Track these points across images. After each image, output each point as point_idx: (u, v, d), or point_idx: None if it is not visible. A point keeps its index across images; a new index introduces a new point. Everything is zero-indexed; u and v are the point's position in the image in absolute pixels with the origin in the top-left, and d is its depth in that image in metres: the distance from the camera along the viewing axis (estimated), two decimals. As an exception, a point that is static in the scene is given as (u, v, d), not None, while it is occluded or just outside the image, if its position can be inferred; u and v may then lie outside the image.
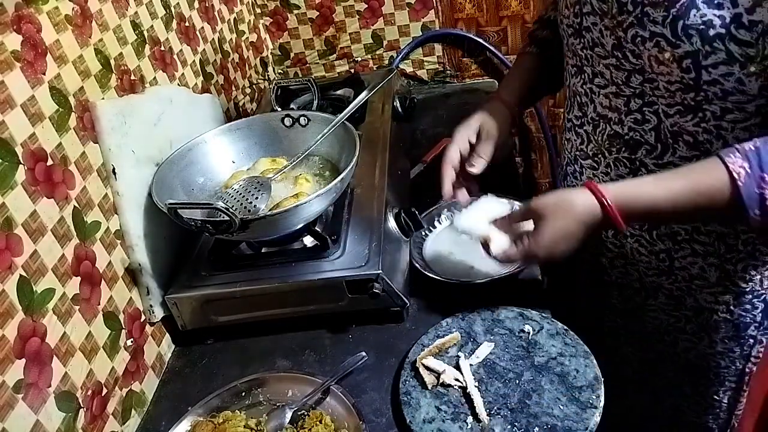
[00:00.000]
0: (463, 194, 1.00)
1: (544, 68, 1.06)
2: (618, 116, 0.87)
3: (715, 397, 1.08)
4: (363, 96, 1.08)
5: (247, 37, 1.66)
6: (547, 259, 0.82)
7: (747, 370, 1.04)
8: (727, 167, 0.70)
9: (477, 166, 0.98)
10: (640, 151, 0.87)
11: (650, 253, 0.96)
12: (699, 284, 0.95)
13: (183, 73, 1.25)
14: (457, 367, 0.85)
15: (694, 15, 0.70)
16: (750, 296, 0.94)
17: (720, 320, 0.98)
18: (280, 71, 1.84)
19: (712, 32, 0.70)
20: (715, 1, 0.69)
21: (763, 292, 0.95)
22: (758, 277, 0.93)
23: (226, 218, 0.86)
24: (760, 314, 0.97)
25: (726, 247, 0.90)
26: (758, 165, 0.69)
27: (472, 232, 0.92)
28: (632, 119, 0.85)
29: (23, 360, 0.72)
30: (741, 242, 0.89)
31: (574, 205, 0.77)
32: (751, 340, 1.00)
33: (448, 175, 0.98)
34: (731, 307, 0.96)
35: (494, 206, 0.95)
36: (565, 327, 0.88)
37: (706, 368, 1.04)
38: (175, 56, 1.23)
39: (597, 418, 0.76)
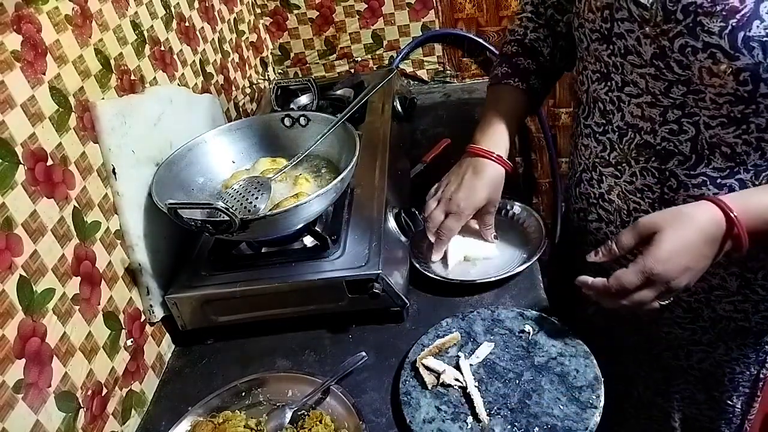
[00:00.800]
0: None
1: (528, 102, 1.04)
2: (651, 126, 0.83)
3: (729, 402, 1.06)
4: (363, 96, 1.08)
5: (247, 37, 1.66)
6: (669, 279, 0.73)
7: (762, 375, 1.02)
8: None
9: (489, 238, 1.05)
10: (671, 162, 0.84)
11: None
12: (718, 294, 0.94)
13: (183, 73, 1.25)
14: (457, 367, 0.85)
15: (758, 26, 0.67)
16: None
17: (738, 328, 0.96)
18: (280, 71, 1.85)
19: None
20: None
21: None
22: None
23: (226, 218, 0.86)
24: None
25: (748, 255, 0.84)
26: None
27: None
28: (667, 130, 0.82)
29: (23, 360, 0.72)
30: (763, 250, 0.87)
31: (694, 215, 0.73)
32: (767, 346, 0.99)
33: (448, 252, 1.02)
34: (750, 315, 0.95)
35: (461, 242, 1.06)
36: (565, 327, 0.88)
37: (721, 375, 1.03)
38: (175, 56, 1.23)
39: (597, 418, 0.76)
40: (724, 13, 0.68)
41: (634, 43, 0.79)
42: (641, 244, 0.75)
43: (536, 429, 0.76)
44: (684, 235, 0.72)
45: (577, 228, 1.05)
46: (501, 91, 1.04)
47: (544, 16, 1.03)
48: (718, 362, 1.02)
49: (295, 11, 1.73)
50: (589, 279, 0.79)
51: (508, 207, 1.15)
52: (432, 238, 1.03)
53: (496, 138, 1.00)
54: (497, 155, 0.99)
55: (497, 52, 1.11)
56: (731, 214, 0.71)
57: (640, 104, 0.83)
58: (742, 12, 0.67)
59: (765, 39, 0.67)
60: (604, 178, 0.94)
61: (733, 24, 0.68)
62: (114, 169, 0.94)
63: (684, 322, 0.99)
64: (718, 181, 0.81)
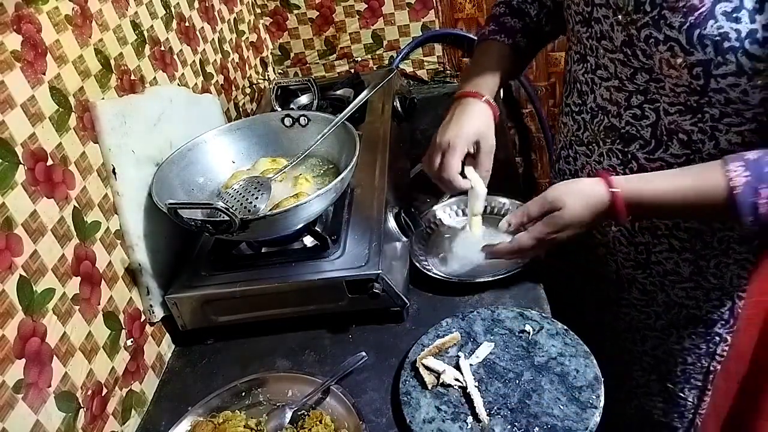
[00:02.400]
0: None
1: (513, 58, 1.05)
2: (617, 110, 0.89)
3: (681, 395, 1.10)
4: (363, 96, 1.08)
5: (247, 37, 1.66)
6: (557, 243, 0.87)
7: (712, 368, 1.06)
8: (728, 174, 0.74)
9: (485, 184, 0.99)
10: (633, 145, 0.89)
11: (630, 244, 0.99)
12: (672, 279, 0.99)
13: (183, 73, 1.25)
14: (457, 367, 0.85)
15: (712, 26, 0.71)
16: (719, 293, 0.98)
17: (690, 316, 1.01)
18: (280, 71, 1.85)
19: (726, 44, 0.71)
20: (734, 15, 0.70)
21: (732, 290, 0.98)
22: (729, 275, 0.96)
23: (226, 218, 0.86)
24: (728, 312, 1.00)
25: (702, 244, 0.94)
26: (756, 177, 0.73)
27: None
28: (631, 114, 0.88)
29: (23, 360, 0.72)
30: (716, 239, 0.93)
31: (590, 195, 0.83)
32: (717, 338, 1.03)
33: (460, 184, 0.97)
34: (701, 303, 0.99)
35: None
36: (565, 327, 0.89)
37: (673, 364, 1.07)
38: (175, 56, 1.23)
39: (597, 418, 0.76)
40: (685, 9, 0.73)
41: (608, 29, 0.84)
42: (544, 213, 0.87)
43: (536, 429, 0.76)
44: (579, 213, 0.83)
45: None
46: (487, 46, 1.06)
47: None
48: (670, 351, 1.06)
49: (295, 11, 1.73)
50: (493, 246, 0.94)
51: (509, 207, 1.15)
52: (437, 182, 1.01)
53: (481, 83, 1.02)
54: (484, 97, 0.99)
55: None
56: (616, 191, 0.81)
57: (609, 88, 0.89)
58: (700, 11, 0.72)
59: (717, 38, 0.72)
60: (578, 156, 1.00)
61: (691, 21, 0.73)
62: (114, 169, 0.94)
63: (640, 304, 1.05)
64: (675, 167, 0.86)
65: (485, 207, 1.13)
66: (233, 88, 1.52)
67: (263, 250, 1.05)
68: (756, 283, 0.97)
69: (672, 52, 0.76)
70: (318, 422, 0.83)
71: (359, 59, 1.80)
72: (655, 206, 0.81)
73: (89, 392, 0.83)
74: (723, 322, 1.01)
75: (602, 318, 1.13)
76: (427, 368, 0.86)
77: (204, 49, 1.37)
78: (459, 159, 0.96)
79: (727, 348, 1.04)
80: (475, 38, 1.68)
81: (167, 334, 1.05)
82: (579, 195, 0.84)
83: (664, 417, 1.14)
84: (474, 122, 0.97)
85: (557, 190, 0.85)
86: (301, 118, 1.13)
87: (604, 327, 1.13)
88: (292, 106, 1.41)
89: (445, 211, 1.18)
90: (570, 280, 1.18)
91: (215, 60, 1.43)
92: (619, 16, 0.81)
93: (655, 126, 0.86)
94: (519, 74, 1.08)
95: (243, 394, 0.90)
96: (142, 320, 0.99)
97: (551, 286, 1.04)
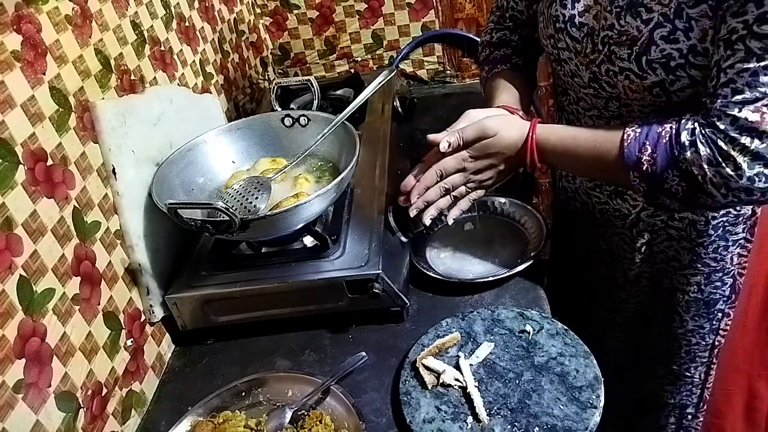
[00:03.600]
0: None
1: (521, 77, 1.07)
2: None
3: (687, 374, 1.12)
4: (363, 96, 1.08)
5: (247, 37, 1.66)
6: (479, 170, 0.93)
7: (716, 343, 1.08)
8: (624, 129, 0.81)
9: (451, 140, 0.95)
10: None
11: (633, 250, 1.03)
12: (674, 266, 1.02)
13: (183, 73, 1.25)
14: (457, 367, 0.85)
15: (655, 51, 0.78)
16: (720, 274, 1.00)
17: (691, 300, 1.04)
18: (280, 71, 1.85)
19: (673, 63, 0.78)
20: (671, 37, 0.77)
21: (732, 268, 1.00)
22: (729, 256, 0.99)
23: (226, 218, 0.86)
24: (728, 288, 1.02)
25: (697, 232, 0.97)
26: (645, 133, 0.79)
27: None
28: None
29: (23, 360, 0.72)
30: (711, 227, 0.96)
31: (519, 127, 0.91)
32: (720, 314, 1.05)
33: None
34: (702, 287, 1.02)
35: None
36: (565, 327, 0.89)
37: (678, 347, 1.09)
38: (175, 56, 1.23)
39: (597, 418, 0.76)
40: (628, 42, 0.80)
41: (575, 68, 0.91)
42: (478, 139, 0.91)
43: (536, 429, 0.76)
44: (507, 142, 0.90)
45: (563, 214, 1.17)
46: (492, 82, 1.08)
47: (506, 19, 1.10)
48: (674, 335, 1.08)
49: (295, 11, 1.73)
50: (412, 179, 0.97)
51: (509, 207, 1.15)
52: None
53: (506, 100, 1.02)
54: (518, 111, 1.00)
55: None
56: (532, 135, 0.89)
57: (591, 116, 0.95)
58: (641, 40, 0.79)
59: (662, 60, 0.78)
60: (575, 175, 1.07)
61: (636, 50, 0.80)
62: (114, 169, 0.94)
63: (648, 291, 1.08)
64: None
65: (482, 207, 1.14)
66: (233, 88, 1.52)
67: (263, 250, 1.05)
68: (753, 255, 0.99)
69: (629, 80, 0.82)
70: (318, 422, 0.83)
71: (359, 59, 1.80)
72: (558, 150, 0.89)
73: (89, 392, 0.83)
74: (725, 299, 1.03)
75: (605, 312, 1.15)
76: (427, 368, 0.86)
77: (204, 49, 1.37)
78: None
79: (730, 322, 1.06)
80: (476, 38, 1.71)
81: (167, 334, 1.05)
82: (512, 126, 0.91)
83: (672, 398, 1.16)
84: (486, 113, 0.97)
85: (493, 120, 0.92)
86: (301, 118, 1.13)
87: (607, 320, 1.15)
88: (292, 106, 1.41)
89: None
90: (574, 281, 1.19)
91: (215, 60, 1.43)
92: (580, 58, 0.89)
93: None
94: (534, 85, 1.12)
95: (243, 394, 0.90)
96: (142, 320, 0.99)
97: (551, 286, 1.05)
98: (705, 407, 1.17)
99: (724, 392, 1.15)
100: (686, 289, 1.03)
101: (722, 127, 0.73)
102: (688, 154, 0.75)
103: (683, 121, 0.77)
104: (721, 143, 0.73)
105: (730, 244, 0.97)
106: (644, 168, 0.79)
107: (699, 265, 1.00)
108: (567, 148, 0.88)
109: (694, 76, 0.78)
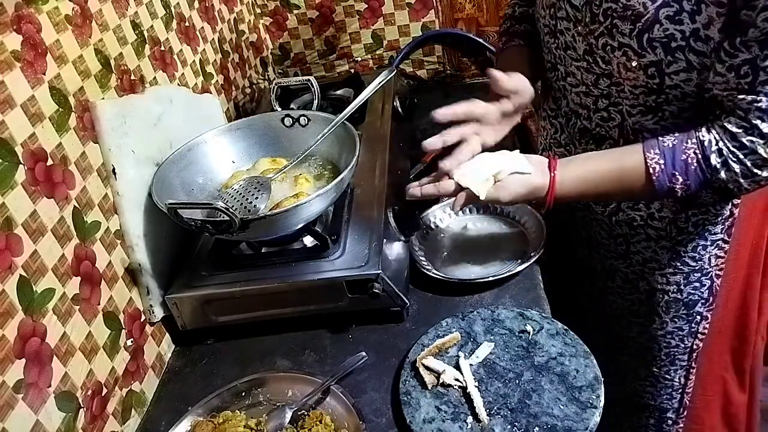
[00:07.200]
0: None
1: (534, 54, 1.06)
2: (587, 113, 0.96)
3: (667, 377, 1.14)
4: (363, 96, 1.08)
5: (247, 37, 1.66)
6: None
7: (695, 347, 1.10)
8: (646, 161, 0.82)
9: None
10: (604, 145, 0.96)
11: (610, 237, 1.05)
12: (651, 267, 1.03)
13: (183, 73, 1.25)
14: (457, 367, 0.85)
15: (658, 29, 0.78)
16: (699, 274, 1.02)
17: (671, 300, 1.05)
18: (280, 71, 1.84)
19: (673, 44, 0.78)
20: (676, 18, 0.76)
21: (710, 270, 1.02)
22: (707, 256, 1.00)
23: (226, 218, 0.86)
24: (707, 291, 1.04)
25: (677, 230, 0.98)
26: (671, 163, 0.81)
27: (476, 178, 0.89)
28: (599, 117, 0.94)
29: (23, 360, 0.72)
30: (691, 224, 0.98)
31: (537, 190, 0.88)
32: (698, 317, 1.07)
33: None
34: (681, 287, 1.03)
35: (492, 159, 0.92)
36: (565, 327, 0.89)
37: (657, 349, 1.11)
38: (175, 56, 1.23)
39: (597, 418, 0.76)
40: (632, 17, 0.79)
41: (571, 40, 0.90)
42: None
43: (536, 429, 0.76)
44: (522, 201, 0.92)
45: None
46: (506, 54, 1.08)
47: None
48: (653, 336, 1.10)
49: (295, 11, 1.73)
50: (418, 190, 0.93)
51: (508, 207, 1.15)
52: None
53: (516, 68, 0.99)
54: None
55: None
56: (554, 176, 0.87)
57: (578, 93, 0.95)
58: (646, 17, 0.78)
59: (664, 40, 0.78)
60: (557, 157, 1.01)
61: (639, 27, 0.79)
62: (114, 169, 0.94)
63: (624, 292, 1.10)
64: None
65: (482, 207, 1.14)
66: (233, 88, 1.52)
67: (263, 250, 1.05)
68: (730, 261, 1.02)
69: (627, 57, 0.82)
70: (318, 422, 0.83)
71: (359, 59, 1.80)
72: (578, 192, 0.88)
73: (89, 392, 0.83)
74: (703, 301, 1.05)
75: (591, 307, 1.18)
76: (427, 368, 0.86)
77: (204, 49, 1.37)
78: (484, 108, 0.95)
79: (707, 326, 1.08)
80: (476, 38, 1.71)
81: (167, 334, 1.05)
82: (528, 186, 0.88)
83: (653, 400, 1.19)
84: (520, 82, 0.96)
85: (506, 192, 0.88)
86: (301, 118, 1.13)
87: (593, 315, 1.18)
88: (292, 106, 1.41)
89: (445, 211, 1.18)
90: (563, 275, 1.20)
91: (215, 60, 1.43)
92: (579, 27, 0.87)
93: (621, 127, 0.92)
94: (540, 73, 1.08)
95: (243, 394, 0.90)
96: (142, 320, 0.99)
97: (551, 286, 1.05)
98: (685, 413, 1.18)
99: (704, 399, 1.18)
100: (666, 288, 1.04)
101: (766, 130, 0.75)
102: (722, 174, 0.79)
103: (705, 141, 0.79)
104: (760, 150, 0.77)
105: (709, 243, 0.99)
106: (678, 195, 0.82)
107: (678, 264, 1.02)
108: (588, 189, 0.88)
109: (691, 61, 0.79)
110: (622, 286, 1.10)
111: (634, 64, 0.82)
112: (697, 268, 1.02)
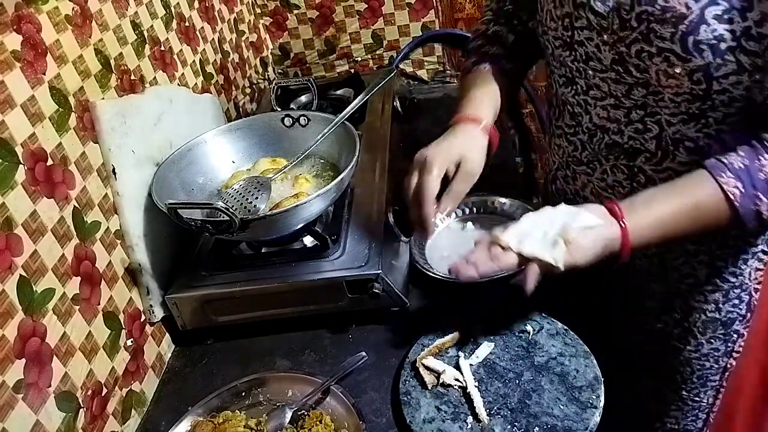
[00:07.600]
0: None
1: (504, 83, 1.01)
2: (617, 126, 0.87)
3: (696, 398, 1.08)
4: (363, 96, 1.08)
5: (247, 37, 1.66)
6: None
7: (729, 366, 1.04)
8: (721, 187, 0.74)
9: (449, 208, 0.89)
10: (639, 159, 0.87)
11: (644, 256, 0.96)
12: (689, 283, 0.96)
13: (183, 73, 1.25)
14: (457, 367, 0.85)
15: (705, 30, 0.71)
16: (738, 290, 0.96)
17: (708, 320, 0.98)
18: (280, 71, 1.85)
19: (723, 46, 0.71)
20: (725, 17, 0.70)
21: (749, 284, 0.96)
22: (747, 270, 0.94)
23: (226, 218, 0.86)
24: (745, 307, 0.98)
25: (717, 244, 0.92)
26: (751, 184, 0.73)
27: (540, 244, 0.77)
28: (633, 129, 0.86)
29: (23, 360, 0.72)
30: (732, 237, 0.91)
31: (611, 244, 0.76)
32: (735, 335, 1.01)
33: (431, 212, 0.87)
34: (720, 305, 0.97)
35: (546, 218, 0.79)
36: (565, 327, 0.89)
37: (690, 372, 1.04)
38: (175, 56, 1.23)
39: (597, 418, 0.76)
40: (673, 19, 0.72)
41: (594, 50, 0.83)
42: None
43: (536, 429, 0.76)
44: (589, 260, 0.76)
45: None
46: (473, 76, 1.02)
47: (503, 12, 1.02)
48: (687, 360, 1.03)
49: (295, 11, 1.73)
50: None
51: (509, 207, 1.14)
52: (411, 206, 0.90)
53: (477, 107, 0.95)
54: (483, 122, 0.92)
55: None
56: (626, 234, 0.75)
57: (605, 107, 0.86)
58: (690, 18, 0.71)
59: (713, 42, 0.71)
60: (577, 175, 0.97)
61: (683, 29, 0.72)
62: (114, 169, 0.94)
63: (657, 311, 1.01)
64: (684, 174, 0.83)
65: (482, 207, 1.14)
66: (233, 88, 1.52)
67: (263, 250, 1.05)
68: (767, 272, 0.95)
69: (668, 63, 0.75)
70: (318, 422, 0.83)
71: (359, 59, 1.80)
72: (657, 237, 0.77)
73: (89, 392, 0.83)
74: (741, 318, 0.99)
75: (614, 325, 1.09)
76: (427, 368, 0.86)
77: (204, 49, 1.37)
78: (436, 178, 0.86)
79: (743, 343, 1.02)
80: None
81: (167, 334, 1.05)
82: (597, 241, 0.76)
83: (677, 424, 1.11)
84: (458, 142, 0.90)
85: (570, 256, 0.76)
86: (301, 118, 1.13)
87: (616, 334, 1.09)
88: (292, 106, 1.41)
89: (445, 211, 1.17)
90: (581, 286, 1.16)
91: (215, 60, 1.43)
92: (605, 36, 0.80)
93: (659, 138, 0.84)
94: (512, 97, 1.02)
95: (243, 394, 0.90)
96: (142, 320, 0.99)
97: (551, 286, 1.04)
98: (707, 431, 1.12)
99: (728, 414, 1.11)
100: (704, 308, 0.97)
101: None
102: None
103: None
104: None
105: (749, 256, 0.93)
106: (765, 216, 0.74)
107: (717, 281, 0.94)
108: (667, 233, 0.77)
109: (742, 62, 0.71)
110: (656, 306, 1.01)
111: (677, 70, 0.75)
112: (737, 284, 0.95)
